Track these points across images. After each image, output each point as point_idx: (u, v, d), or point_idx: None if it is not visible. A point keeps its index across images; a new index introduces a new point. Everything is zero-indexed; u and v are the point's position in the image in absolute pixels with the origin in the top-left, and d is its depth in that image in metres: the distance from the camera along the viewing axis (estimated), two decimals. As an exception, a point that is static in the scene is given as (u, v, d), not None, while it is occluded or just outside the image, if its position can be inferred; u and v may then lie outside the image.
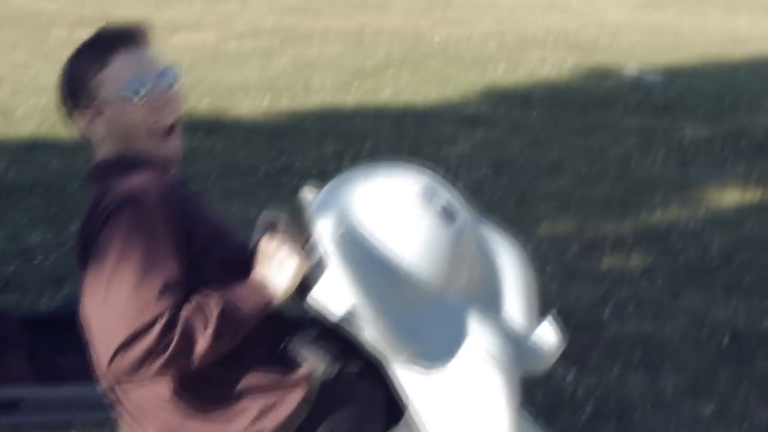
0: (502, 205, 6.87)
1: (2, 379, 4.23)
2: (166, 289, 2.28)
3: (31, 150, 8.44)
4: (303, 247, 2.51)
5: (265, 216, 2.77)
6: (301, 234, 2.59)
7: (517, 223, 6.19)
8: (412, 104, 10.42)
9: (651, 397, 4.33)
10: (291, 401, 2.49)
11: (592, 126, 9.48)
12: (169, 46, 3.01)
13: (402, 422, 2.63)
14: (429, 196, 2.57)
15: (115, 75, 2.55)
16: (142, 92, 2.54)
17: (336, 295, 2.43)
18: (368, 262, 2.43)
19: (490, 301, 2.67)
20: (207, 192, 2.58)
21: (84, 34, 2.69)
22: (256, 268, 2.50)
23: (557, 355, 2.74)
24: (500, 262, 2.71)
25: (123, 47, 2.57)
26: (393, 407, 2.62)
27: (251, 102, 10.40)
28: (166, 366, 2.27)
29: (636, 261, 5.96)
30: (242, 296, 2.41)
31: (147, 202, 2.38)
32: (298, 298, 2.52)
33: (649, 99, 10.61)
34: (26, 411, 4.21)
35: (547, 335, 2.71)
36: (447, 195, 2.63)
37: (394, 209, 2.53)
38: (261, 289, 2.45)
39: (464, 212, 2.64)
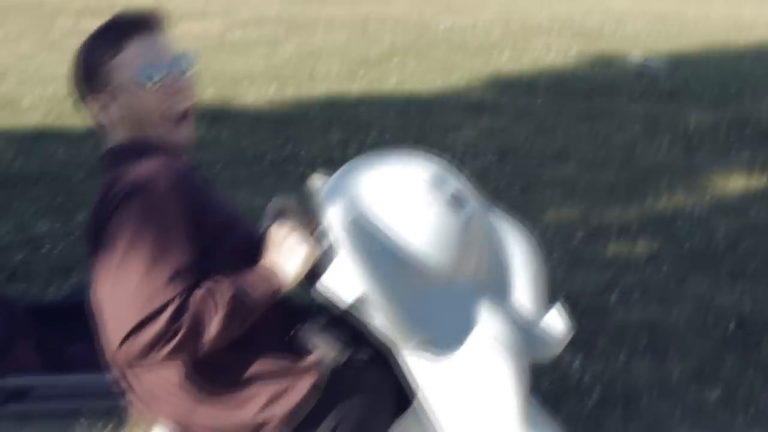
0: (507, 192, 6.87)
1: (11, 368, 4.24)
2: (176, 276, 2.28)
3: (37, 140, 8.45)
4: (312, 235, 2.51)
5: (275, 203, 2.77)
6: (310, 221, 2.59)
7: (523, 210, 6.20)
8: (417, 92, 10.42)
9: (657, 383, 4.33)
10: (301, 388, 2.49)
11: (597, 113, 9.48)
12: (173, 35, 3.03)
13: (411, 409, 2.64)
14: (438, 183, 2.57)
15: (129, 61, 2.54)
16: (156, 78, 2.54)
17: (345, 283, 2.43)
18: (378, 250, 2.43)
19: (498, 288, 2.67)
20: (213, 181, 2.58)
21: (89, 23, 2.70)
22: (266, 255, 2.50)
23: (565, 343, 2.74)
24: (509, 249, 2.71)
25: (138, 33, 2.56)
26: (402, 394, 2.62)
27: (256, 91, 10.40)
28: (175, 351, 2.27)
29: (641, 247, 5.96)
30: (252, 282, 2.41)
31: (158, 188, 2.37)
32: (307, 285, 2.52)
33: (654, 86, 10.61)
34: (35, 399, 4.23)
35: (556, 323, 2.71)
36: (456, 182, 2.63)
37: (404, 196, 2.53)
38: (270, 275, 2.45)
39: (473, 199, 2.64)
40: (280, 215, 2.69)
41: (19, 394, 4.22)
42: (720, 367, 4.45)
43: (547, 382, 4.21)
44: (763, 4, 17.39)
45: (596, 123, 9.08)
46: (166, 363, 2.36)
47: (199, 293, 2.30)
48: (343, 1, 17.00)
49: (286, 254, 2.47)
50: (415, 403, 2.61)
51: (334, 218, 2.44)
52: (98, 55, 2.57)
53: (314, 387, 2.50)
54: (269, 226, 2.56)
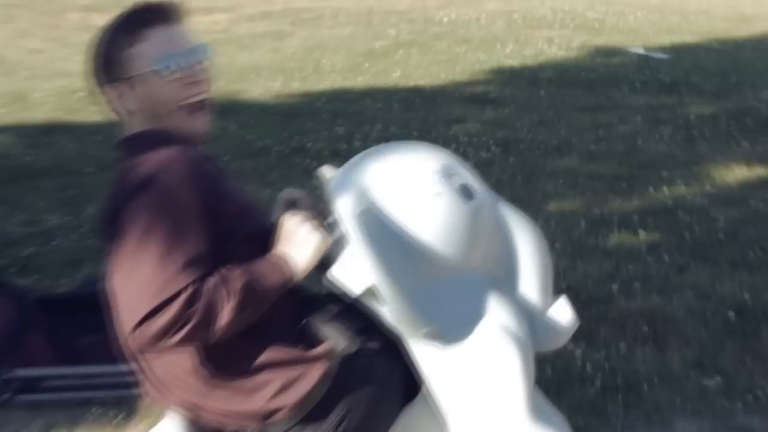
0: (510, 183, 6.88)
1: (22, 359, 4.26)
2: (190, 264, 2.29)
3: (47, 134, 8.46)
4: (322, 225, 2.52)
5: (285, 193, 2.78)
6: (320, 212, 2.61)
7: (526, 200, 6.21)
8: (422, 85, 10.42)
9: (658, 371, 4.33)
10: (311, 376, 2.49)
11: (599, 104, 9.48)
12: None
13: (418, 398, 2.65)
14: (447, 174, 2.57)
15: (147, 50, 2.54)
16: (173, 68, 2.54)
17: (355, 273, 2.43)
18: (387, 240, 2.44)
19: (506, 279, 2.67)
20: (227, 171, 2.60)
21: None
22: (277, 244, 2.50)
23: (570, 334, 2.75)
24: (517, 240, 2.71)
25: (157, 23, 2.57)
26: (410, 383, 2.63)
27: (263, 84, 10.41)
28: (187, 338, 2.28)
29: (643, 237, 5.96)
30: (264, 271, 2.42)
31: (174, 177, 2.38)
32: (318, 275, 2.53)
33: (655, 77, 10.60)
34: (46, 390, 4.25)
35: (562, 314, 2.71)
36: (464, 173, 2.64)
37: (413, 187, 2.53)
38: (282, 264, 2.46)
39: (481, 191, 2.65)
40: (290, 205, 2.70)
41: (30, 385, 4.24)
42: (720, 355, 4.46)
43: (549, 370, 4.22)
44: (763, -5, 17.36)
45: (598, 114, 9.07)
46: (177, 349, 2.38)
47: (211, 281, 2.30)
48: (348, -6, 16.99)
49: (297, 244, 2.47)
50: (422, 392, 2.62)
51: (344, 209, 2.45)
52: (117, 45, 2.57)
53: (325, 376, 2.50)
54: (280, 215, 2.57)
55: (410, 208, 2.50)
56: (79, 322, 4.43)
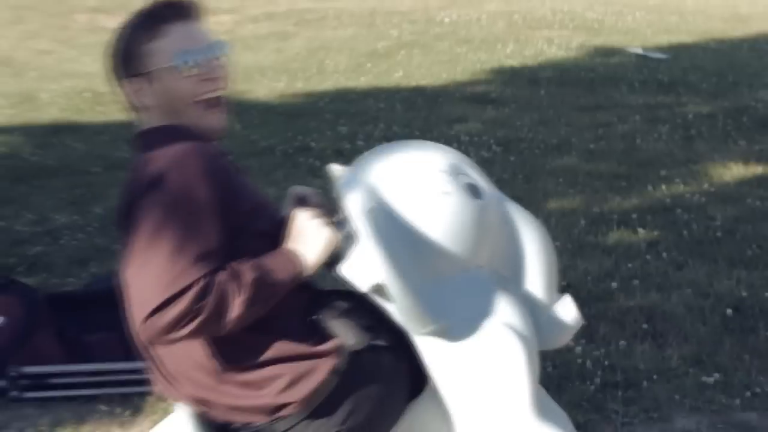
0: (511, 182, 6.87)
1: (31, 356, 4.27)
2: (202, 258, 2.28)
3: (55, 134, 8.47)
4: (332, 222, 2.52)
5: (294, 189, 2.78)
6: (329, 209, 2.60)
7: (526, 198, 6.21)
8: (424, 84, 10.42)
9: (657, 367, 4.32)
10: (321, 371, 2.48)
11: (598, 104, 9.47)
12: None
13: (424, 394, 2.64)
14: (455, 173, 2.57)
15: (166, 45, 2.54)
16: (191, 64, 2.54)
17: (364, 269, 2.43)
18: (396, 238, 2.43)
19: (512, 276, 2.67)
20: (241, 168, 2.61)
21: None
22: (288, 239, 2.50)
23: (574, 333, 2.74)
24: (522, 238, 2.70)
25: (176, 20, 2.57)
26: (416, 379, 2.63)
27: (267, 84, 10.41)
28: (197, 330, 2.28)
29: (642, 235, 5.95)
30: (274, 266, 2.41)
31: (189, 171, 2.37)
32: (327, 270, 2.53)
33: (653, 77, 10.58)
34: (55, 387, 4.25)
35: (566, 312, 2.71)
36: (472, 172, 2.64)
37: (421, 186, 2.53)
38: (293, 259, 2.45)
39: (489, 189, 2.64)
40: (300, 201, 2.70)
41: (38, 382, 4.24)
42: (718, 352, 4.45)
43: (550, 367, 4.21)
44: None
45: (597, 114, 9.07)
46: (187, 342, 2.38)
47: (222, 275, 2.30)
48: (351, -5, 16.98)
49: (307, 240, 2.47)
50: (428, 388, 2.61)
51: (353, 206, 2.45)
52: (136, 40, 2.56)
53: (334, 371, 2.49)
54: (290, 211, 2.57)
55: (418, 206, 2.50)
56: (87, 319, 4.43)
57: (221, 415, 2.53)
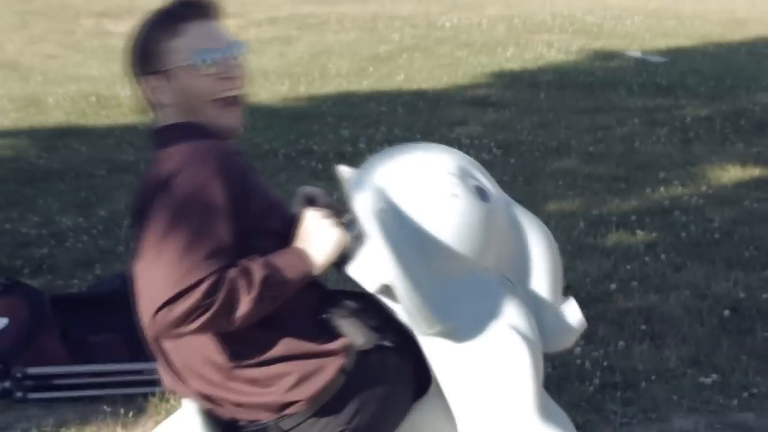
0: (511, 184, 6.86)
1: (37, 357, 4.26)
2: (214, 254, 2.29)
3: (61, 137, 8.46)
4: (341, 222, 2.52)
5: (304, 189, 2.78)
6: (337, 209, 2.60)
7: (526, 201, 6.15)
8: (425, 88, 10.41)
9: (655, 368, 4.31)
10: (328, 371, 2.48)
11: (597, 106, 9.46)
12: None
13: (428, 394, 2.64)
14: (463, 175, 2.56)
15: (185, 44, 2.54)
16: (210, 62, 2.54)
17: (372, 270, 2.44)
18: (404, 238, 2.43)
19: (518, 279, 2.67)
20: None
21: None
22: (297, 238, 2.50)
23: (579, 334, 2.74)
24: (528, 241, 2.70)
25: (195, 18, 2.57)
26: (420, 379, 2.62)
27: (270, 88, 10.40)
28: (206, 325, 2.28)
29: (640, 236, 5.94)
30: (283, 265, 2.40)
31: (206, 169, 2.38)
32: (336, 270, 2.53)
33: (651, 80, 10.57)
34: (59, 388, 4.24)
35: (570, 315, 2.71)
36: (479, 175, 2.63)
37: (430, 188, 2.53)
38: (302, 258, 2.44)
39: (496, 192, 2.64)
40: (308, 201, 2.70)
41: (42, 383, 4.23)
42: (715, 353, 4.44)
43: (549, 368, 4.19)
44: (755, 0, 17.31)
45: (596, 117, 9.05)
46: (197, 337, 2.39)
47: (233, 272, 2.30)
48: (353, 0, 16.96)
49: (316, 240, 2.47)
50: (432, 389, 2.61)
51: (363, 207, 2.44)
52: (155, 37, 2.57)
53: (341, 370, 2.49)
54: (300, 210, 2.56)
55: (426, 208, 2.50)
56: (91, 321, 4.43)
57: (228, 412, 2.52)
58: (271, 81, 10.73)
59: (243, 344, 2.45)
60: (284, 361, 2.47)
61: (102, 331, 4.36)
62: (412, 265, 2.40)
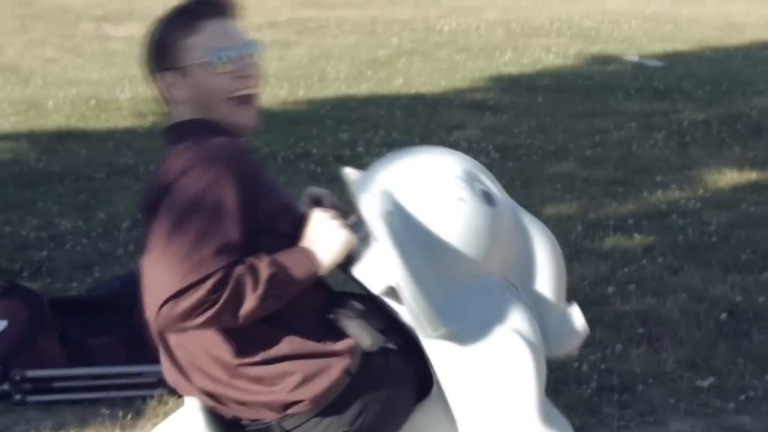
0: (509, 188, 6.76)
1: (36, 360, 4.25)
2: (222, 250, 2.30)
3: (61, 141, 8.45)
4: (348, 224, 2.51)
5: (310, 190, 2.78)
6: (343, 211, 2.60)
7: (524, 204, 6.10)
8: (423, 92, 10.40)
9: (652, 371, 4.31)
10: (333, 371, 2.48)
11: (595, 111, 9.45)
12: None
13: (431, 396, 2.63)
14: (469, 179, 2.57)
15: (202, 42, 2.55)
16: (226, 60, 2.55)
17: (378, 272, 2.45)
18: (411, 241, 2.44)
19: (522, 283, 2.67)
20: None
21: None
22: (304, 238, 2.50)
23: (582, 339, 2.73)
24: (533, 246, 2.70)
25: (212, 16, 2.57)
26: (423, 381, 2.62)
27: (270, 91, 10.38)
28: (211, 320, 2.29)
29: (638, 239, 5.94)
30: (290, 264, 2.41)
31: (218, 165, 2.38)
32: (342, 271, 2.52)
33: (649, 84, 10.57)
34: (57, 391, 4.23)
35: (574, 320, 2.70)
36: (486, 180, 2.63)
37: (436, 191, 2.53)
38: (309, 258, 2.45)
39: (502, 197, 2.64)
40: (315, 202, 2.70)
41: (41, 386, 4.23)
42: (712, 356, 4.44)
43: (547, 371, 4.19)
44: (752, 5, 17.30)
45: (594, 121, 9.05)
46: (203, 333, 2.40)
47: (240, 268, 2.31)
48: (352, 4, 16.95)
49: (323, 240, 2.47)
50: (434, 391, 2.60)
51: (370, 209, 2.44)
52: (172, 34, 2.57)
53: (346, 371, 2.49)
54: (307, 211, 2.56)
55: (433, 211, 2.51)
56: (90, 323, 4.42)
57: (231, 411, 2.53)
58: (270, 85, 10.70)
59: (249, 342, 2.45)
60: (289, 360, 2.47)
61: (101, 333, 4.35)
62: (417, 267, 2.41)
